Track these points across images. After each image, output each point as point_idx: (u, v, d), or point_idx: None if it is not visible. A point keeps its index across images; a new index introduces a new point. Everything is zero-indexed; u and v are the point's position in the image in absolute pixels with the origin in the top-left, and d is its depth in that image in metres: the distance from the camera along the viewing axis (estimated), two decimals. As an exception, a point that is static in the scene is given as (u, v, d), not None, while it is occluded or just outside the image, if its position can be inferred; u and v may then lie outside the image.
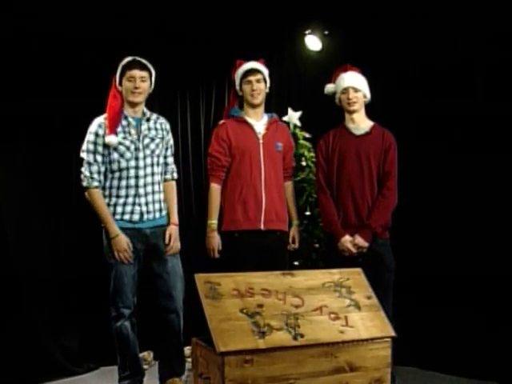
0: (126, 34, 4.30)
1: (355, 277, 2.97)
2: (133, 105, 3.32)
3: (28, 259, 3.97)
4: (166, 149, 3.43)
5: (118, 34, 4.29)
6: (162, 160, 3.39)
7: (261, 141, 3.56)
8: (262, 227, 3.49)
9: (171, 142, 3.49)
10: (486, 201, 3.91)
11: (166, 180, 3.44)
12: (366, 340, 2.68)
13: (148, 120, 3.37)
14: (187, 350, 3.45)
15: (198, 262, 3.57)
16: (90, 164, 3.23)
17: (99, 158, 3.23)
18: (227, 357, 2.40)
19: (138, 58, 3.32)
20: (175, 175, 3.51)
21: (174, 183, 3.49)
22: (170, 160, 3.47)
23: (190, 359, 3.30)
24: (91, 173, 3.22)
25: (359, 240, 3.37)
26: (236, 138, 3.55)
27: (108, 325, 4.00)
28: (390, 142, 3.49)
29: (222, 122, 3.71)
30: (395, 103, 4.24)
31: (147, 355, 4.11)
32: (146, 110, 3.40)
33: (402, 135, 3.61)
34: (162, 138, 3.40)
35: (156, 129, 3.39)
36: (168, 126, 3.49)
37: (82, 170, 3.26)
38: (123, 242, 3.21)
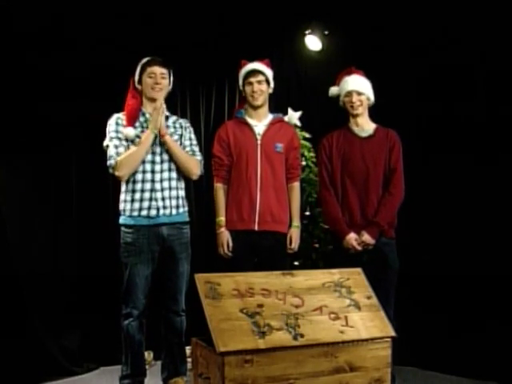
0: (125, 35, 4.31)
1: (355, 277, 2.96)
2: (153, 101, 3.35)
3: (28, 259, 3.97)
4: (184, 141, 3.44)
5: (117, 34, 4.29)
6: None
7: (259, 141, 3.55)
8: (256, 228, 3.48)
9: (189, 135, 3.46)
10: (490, 201, 3.91)
11: None
12: (366, 340, 2.68)
13: (167, 118, 3.39)
14: (187, 349, 3.45)
15: (198, 261, 3.58)
16: (116, 146, 3.24)
17: (124, 142, 3.26)
18: (227, 357, 2.40)
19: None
20: (196, 157, 3.43)
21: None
22: (188, 148, 3.43)
23: (190, 359, 3.31)
24: (118, 153, 3.23)
25: (366, 237, 3.37)
26: (234, 138, 3.56)
27: (108, 325, 4.02)
28: (395, 140, 3.50)
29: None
30: (395, 103, 4.24)
31: (147, 355, 4.11)
32: (165, 109, 3.41)
33: (404, 135, 3.61)
34: (181, 136, 3.43)
35: (175, 127, 3.43)
36: (187, 124, 3.52)
37: (108, 154, 3.26)
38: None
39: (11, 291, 3.80)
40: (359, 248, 3.38)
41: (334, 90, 3.63)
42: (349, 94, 3.49)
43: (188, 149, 3.44)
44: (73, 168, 4.35)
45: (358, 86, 3.48)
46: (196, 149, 3.48)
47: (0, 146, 3.94)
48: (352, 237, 3.39)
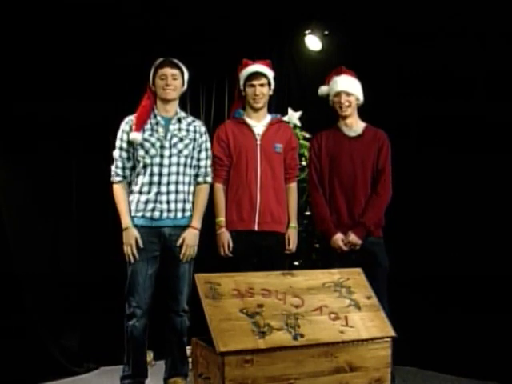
0: (124, 34, 4.30)
1: (355, 277, 2.97)
2: (165, 102, 3.37)
3: (28, 259, 3.96)
4: (199, 151, 3.43)
5: (117, 33, 4.29)
6: (190, 161, 3.38)
7: (258, 142, 3.56)
8: (256, 228, 3.48)
9: (205, 145, 3.45)
10: (485, 200, 3.91)
11: (198, 183, 3.43)
12: (366, 340, 2.68)
13: (179, 121, 3.39)
14: (187, 349, 3.45)
15: (198, 261, 3.58)
16: (115, 160, 3.35)
17: (123, 153, 3.33)
18: (227, 357, 2.41)
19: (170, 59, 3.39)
20: (208, 179, 3.46)
21: (205, 187, 3.45)
22: (203, 163, 3.44)
23: (190, 359, 3.31)
24: (116, 167, 3.34)
25: (353, 237, 3.39)
26: (234, 139, 3.56)
27: (108, 325, 4.02)
28: (383, 140, 3.52)
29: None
30: (394, 103, 4.24)
31: (147, 355, 4.11)
32: (180, 111, 3.44)
33: (398, 135, 3.61)
34: (194, 140, 3.40)
35: (188, 130, 3.40)
36: (203, 129, 3.48)
37: (113, 164, 3.38)
38: (131, 235, 3.24)
39: (11, 291, 3.80)
40: (346, 248, 3.40)
41: (323, 90, 3.66)
42: (338, 94, 3.52)
43: (203, 168, 3.42)
44: (73, 169, 4.33)
45: (347, 87, 3.50)
46: (210, 166, 3.46)
47: (0, 146, 3.94)
48: (339, 237, 3.41)
